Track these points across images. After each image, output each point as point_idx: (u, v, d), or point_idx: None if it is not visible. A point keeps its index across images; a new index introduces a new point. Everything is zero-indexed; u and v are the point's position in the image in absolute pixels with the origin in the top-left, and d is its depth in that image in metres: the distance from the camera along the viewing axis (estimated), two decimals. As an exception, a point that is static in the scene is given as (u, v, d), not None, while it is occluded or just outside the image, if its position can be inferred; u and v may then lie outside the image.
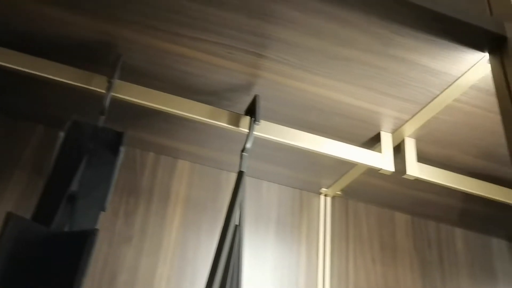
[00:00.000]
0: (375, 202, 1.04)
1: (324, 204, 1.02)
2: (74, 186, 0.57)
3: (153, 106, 0.73)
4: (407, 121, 0.77)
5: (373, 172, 0.90)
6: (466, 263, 1.06)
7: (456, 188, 0.82)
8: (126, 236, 0.87)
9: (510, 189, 0.86)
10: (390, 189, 0.98)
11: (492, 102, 0.70)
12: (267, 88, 0.74)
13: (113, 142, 0.62)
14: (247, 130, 0.73)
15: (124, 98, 0.71)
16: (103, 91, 0.69)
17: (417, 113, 0.75)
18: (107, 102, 0.68)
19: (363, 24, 0.60)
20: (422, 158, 0.84)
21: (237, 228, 0.65)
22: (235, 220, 0.64)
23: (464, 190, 0.82)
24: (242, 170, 0.70)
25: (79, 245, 0.44)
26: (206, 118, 0.75)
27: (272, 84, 0.73)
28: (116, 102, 0.72)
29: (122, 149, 0.62)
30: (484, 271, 1.06)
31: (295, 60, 0.68)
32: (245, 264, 0.90)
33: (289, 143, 0.77)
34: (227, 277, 0.58)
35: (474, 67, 0.64)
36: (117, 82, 0.71)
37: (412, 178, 0.79)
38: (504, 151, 0.81)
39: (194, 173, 0.97)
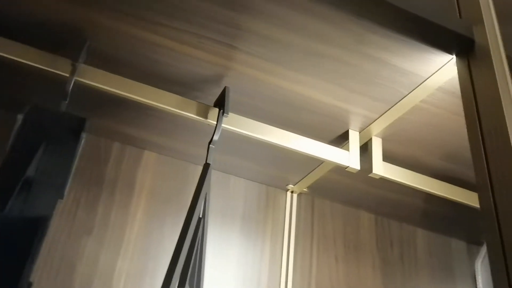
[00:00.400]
0: (341, 200, 1.05)
1: (290, 201, 1.02)
2: (31, 171, 0.55)
3: (119, 93, 0.71)
4: (375, 120, 0.77)
5: (340, 170, 0.90)
6: (426, 263, 1.08)
7: (419, 188, 0.83)
8: (87, 227, 0.84)
9: (471, 191, 0.88)
10: (356, 188, 0.99)
11: (457, 104, 0.71)
12: (238, 80, 0.73)
13: (74, 128, 0.60)
14: (215, 122, 0.72)
15: (88, 83, 0.69)
16: (67, 74, 0.67)
17: (385, 112, 0.75)
18: (70, 86, 0.66)
19: (336, 19, 0.60)
20: (388, 157, 0.85)
21: (201, 221, 0.64)
22: (199, 212, 0.63)
23: (427, 190, 0.84)
24: (208, 162, 0.69)
25: (31, 231, 0.42)
26: (174, 108, 0.73)
27: (243, 76, 0.72)
28: (80, 87, 0.69)
29: (84, 135, 0.60)
30: (443, 271, 1.09)
31: (267, 53, 0.67)
32: (208, 258, 0.89)
33: (257, 137, 0.76)
34: (188, 271, 0.57)
35: (442, 69, 0.65)
36: (82, 66, 0.69)
37: (378, 177, 0.80)
38: (467, 154, 0.82)
39: (160, 164, 0.95)
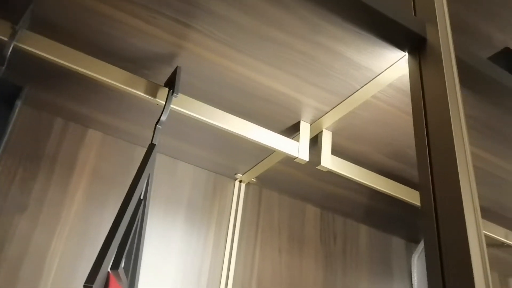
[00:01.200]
0: (288, 193, 1.05)
1: (238, 190, 1.01)
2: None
3: (63, 64, 0.66)
4: (326, 112, 0.77)
5: (289, 161, 0.90)
6: (367, 258, 1.10)
7: (364, 183, 0.84)
8: (21, 204, 0.79)
9: (415, 190, 0.90)
10: (304, 181, 0.99)
11: (407, 103, 0.72)
12: (191, 61, 0.71)
13: (9, 96, 0.56)
14: (164, 102, 0.70)
15: (30, 50, 0.64)
16: (5, 38, 0.62)
17: (337, 105, 0.75)
18: (8, 51, 0.61)
19: (292, 4, 0.59)
20: (337, 151, 0.86)
21: (141, 203, 0.62)
22: (139, 193, 0.60)
23: (372, 186, 0.85)
24: (153, 143, 0.66)
25: None
26: (122, 84, 0.70)
27: (196, 57, 0.70)
28: (20, 53, 0.65)
29: (18, 104, 0.56)
30: (382, 266, 1.12)
31: (223, 35, 0.65)
32: (150, 244, 0.87)
33: (207, 121, 0.74)
34: (123, 253, 0.54)
35: (394, 66, 0.65)
36: (24, 31, 0.64)
37: (325, 170, 0.80)
38: (414, 152, 0.84)
39: (105, 144, 0.91)
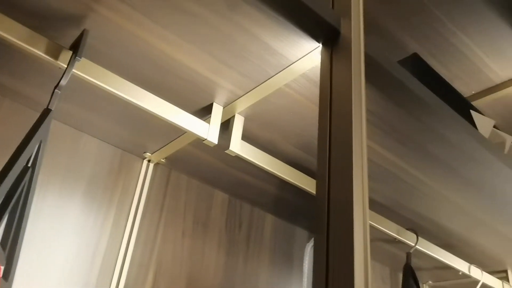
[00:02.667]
0: (198, 176, 1.03)
1: (146, 170, 0.98)
2: None
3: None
4: (240, 96, 0.77)
5: (199, 144, 0.89)
6: (270, 248, 1.12)
7: (272, 172, 0.85)
8: None
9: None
10: (214, 165, 0.98)
11: (317, 94, 0.73)
12: (101, 26, 0.66)
13: None
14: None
15: None
16: None
17: (250, 90, 0.75)
18: None
19: (212, -20, 0.57)
20: (249, 138, 0.86)
21: (28, 171, 0.56)
22: (26, 160, 0.55)
23: (279, 175, 0.86)
24: (49, 108, 0.61)
25: None
26: (22, 42, 0.64)
27: (107, 22, 0.65)
28: None
29: None
30: (284, 256, 1.14)
31: (138, 1, 0.61)
32: (40, 217, 0.80)
33: (114, 92, 0.70)
34: None
35: (308, 56, 0.66)
36: None
37: (233, 155, 0.79)
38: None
39: (1, 108, 0.83)
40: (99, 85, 0.69)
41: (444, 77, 1.59)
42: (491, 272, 1.29)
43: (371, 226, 1.01)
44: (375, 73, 0.68)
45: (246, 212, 1.11)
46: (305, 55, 0.66)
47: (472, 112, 0.90)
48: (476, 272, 1.18)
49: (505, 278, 1.26)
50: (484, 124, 0.88)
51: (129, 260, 0.88)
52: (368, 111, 0.76)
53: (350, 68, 0.57)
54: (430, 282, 1.40)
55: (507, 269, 1.26)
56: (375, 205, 1.02)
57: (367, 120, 0.78)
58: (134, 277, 0.89)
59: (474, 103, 1.63)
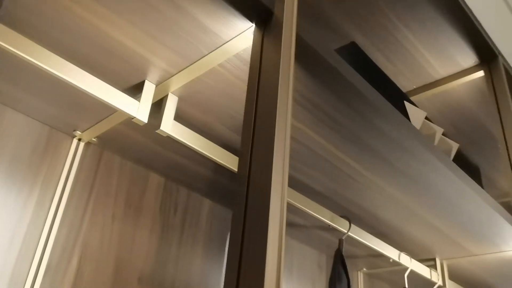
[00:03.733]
0: (132, 158, 1.00)
1: (75, 149, 0.93)
2: None
3: None
4: (173, 75, 0.74)
5: (131, 124, 0.85)
6: (205, 232, 1.11)
7: (206, 155, 0.83)
8: None
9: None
10: (148, 147, 0.95)
11: (252, 77, 0.72)
12: (20, -11, 0.61)
13: None
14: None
15: None
16: None
17: (183, 69, 0.72)
18: None
19: None
20: (183, 119, 0.83)
21: None
22: None
23: (213, 158, 0.84)
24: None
25: None
26: None
27: (27, -14, 0.61)
28: None
29: None
30: (219, 242, 1.13)
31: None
32: (-48, 196, 0.75)
33: (37, 64, 0.65)
34: None
35: (241, 36, 0.64)
36: None
37: (165, 135, 0.77)
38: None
39: None
40: (23, 56, 0.64)
41: (388, 71, 1.62)
42: (421, 260, 1.34)
43: (305, 213, 1.01)
44: (309, 58, 0.68)
45: (182, 196, 1.09)
46: (239, 35, 0.64)
47: (406, 103, 0.91)
48: (405, 260, 1.23)
49: (433, 266, 1.31)
50: (416, 115, 0.90)
51: (51, 244, 0.84)
52: (302, 96, 0.75)
53: (280, 50, 0.56)
54: (364, 269, 1.44)
55: (435, 257, 1.32)
56: (311, 192, 1.03)
57: (303, 106, 0.77)
58: (56, 262, 0.84)
59: (415, 97, 1.68)
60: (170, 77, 0.74)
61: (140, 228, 0.98)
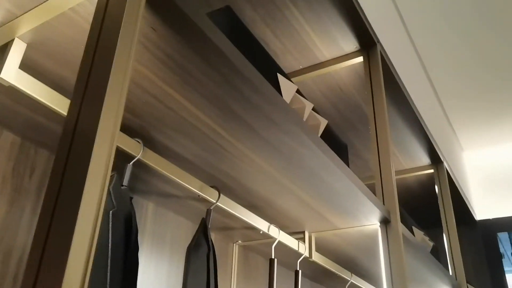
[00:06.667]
0: (-21, 112, 0.88)
1: None
2: None
3: None
4: (18, 16, 0.66)
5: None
6: (67, 199, 1.03)
7: (56, 110, 0.75)
8: None
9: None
10: (1, 103, 0.84)
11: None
12: None
13: None
14: None
15: None
16: None
17: (30, 10, 0.64)
18: None
19: None
20: (34, 70, 0.75)
21: None
22: None
23: (63, 114, 0.77)
24: None
25: None
26: None
27: None
28: None
29: None
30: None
31: None
32: None
33: None
34: None
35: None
36: None
37: (6, 84, 0.68)
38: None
39: None
40: None
41: (276, 49, 1.64)
42: (291, 233, 1.39)
43: (174, 181, 0.98)
44: (175, 18, 0.64)
45: (41, 158, 1.00)
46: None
47: (279, 75, 0.92)
48: (274, 232, 1.26)
49: (302, 239, 1.37)
50: (288, 88, 0.91)
51: None
52: (171, 59, 0.71)
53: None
54: (239, 241, 1.46)
55: (305, 231, 1.37)
56: (181, 161, 1.00)
57: (171, 68, 0.73)
58: None
59: (300, 77, 1.73)
60: (15, 18, 0.66)
61: (-16, 191, 0.88)
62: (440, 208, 2.23)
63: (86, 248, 0.38)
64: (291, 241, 1.32)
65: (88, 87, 0.45)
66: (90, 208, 0.38)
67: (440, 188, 2.28)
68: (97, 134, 0.40)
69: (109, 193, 0.68)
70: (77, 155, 0.41)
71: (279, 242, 1.29)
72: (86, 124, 0.42)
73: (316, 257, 1.41)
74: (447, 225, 2.18)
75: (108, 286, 0.60)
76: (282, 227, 1.36)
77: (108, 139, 0.42)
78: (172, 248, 1.23)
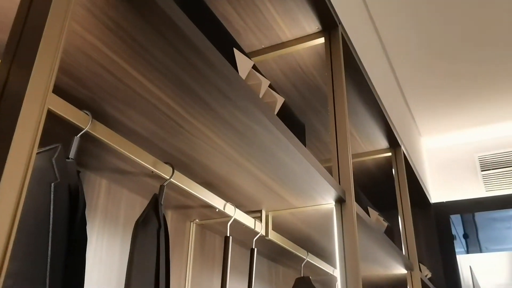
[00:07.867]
0: None
1: None
2: None
3: None
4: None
5: None
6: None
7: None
8: None
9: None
10: None
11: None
12: None
13: None
14: None
15: None
16: None
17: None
18: None
19: None
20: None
21: None
22: None
23: None
24: None
25: None
26: None
27: None
28: None
29: None
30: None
31: None
32: None
33: None
34: None
35: None
36: None
37: None
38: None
39: None
40: None
41: (238, 27, 1.62)
42: (248, 212, 1.40)
43: (126, 157, 0.96)
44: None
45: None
46: None
47: (236, 51, 0.90)
48: (230, 210, 1.26)
49: (259, 218, 1.37)
50: (244, 64, 0.90)
51: None
52: (115, 24, 0.68)
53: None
54: (197, 220, 1.45)
55: (262, 209, 1.38)
56: (134, 135, 0.98)
57: (121, 38, 0.70)
58: None
59: (262, 56, 1.71)
60: None
61: None
62: (396, 191, 2.29)
63: (10, 214, 0.36)
64: (247, 220, 1.32)
65: (19, 46, 0.42)
66: (15, 173, 0.36)
67: (397, 171, 2.34)
68: (25, 95, 0.38)
69: (51, 164, 0.65)
70: (4, 116, 0.39)
71: (235, 220, 1.29)
72: (16, 84, 0.40)
73: (273, 236, 1.42)
74: (402, 207, 2.24)
75: (49, 257, 0.58)
76: (239, 206, 1.36)
77: (38, 101, 0.39)
78: (126, 226, 1.21)
